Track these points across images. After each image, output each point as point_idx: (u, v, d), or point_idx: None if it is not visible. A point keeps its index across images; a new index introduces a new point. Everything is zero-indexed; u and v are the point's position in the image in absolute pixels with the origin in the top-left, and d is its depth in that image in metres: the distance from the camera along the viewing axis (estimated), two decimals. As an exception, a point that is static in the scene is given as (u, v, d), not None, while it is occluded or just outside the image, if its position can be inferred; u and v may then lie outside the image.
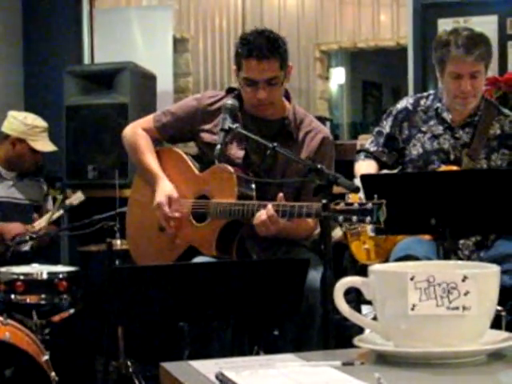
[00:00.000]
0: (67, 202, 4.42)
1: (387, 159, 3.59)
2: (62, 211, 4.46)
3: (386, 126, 3.58)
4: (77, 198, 4.32)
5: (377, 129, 3.66)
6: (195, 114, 3.40)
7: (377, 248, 3.44)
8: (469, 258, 3.36)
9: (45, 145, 4.67)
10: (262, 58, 3.17)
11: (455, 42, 3.29)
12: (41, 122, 4.71)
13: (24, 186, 4.69)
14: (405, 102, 3.58)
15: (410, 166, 3.49)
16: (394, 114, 3.58)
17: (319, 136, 3.34)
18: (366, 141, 3.83)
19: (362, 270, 1.56)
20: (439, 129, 3.45)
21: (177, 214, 3.26)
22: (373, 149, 3.60)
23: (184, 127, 3.43)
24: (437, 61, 3.39)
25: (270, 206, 3.01)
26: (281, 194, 3.05)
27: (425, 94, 3.63)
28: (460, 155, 3.40)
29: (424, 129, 3.47)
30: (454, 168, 3.34)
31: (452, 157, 3.41)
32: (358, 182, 3.06)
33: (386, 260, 3.37)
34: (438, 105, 3.48)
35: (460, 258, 3.35)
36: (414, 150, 3.47)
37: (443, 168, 3.38)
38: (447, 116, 3.45)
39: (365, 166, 3.57)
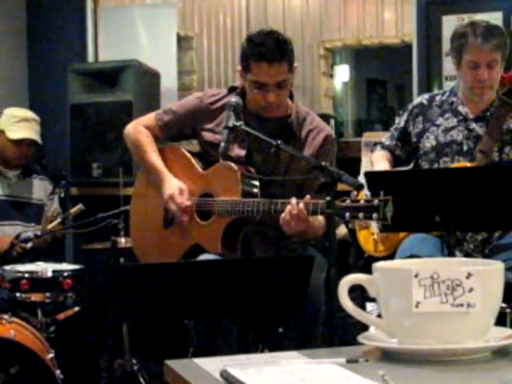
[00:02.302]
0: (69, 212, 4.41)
1: (401, 153, 3.63)
2: (59, 219, 4.45)
3: (402, 120, 3.64)
4: (77, 208, 4.31)
5: (394, 125, 3.71)
6: (197, 112, 3.39)
7: (385, 239, 3.44)
8: (474, 251, 3.37)
9: (17, 133, 4.54)
10: (272, 62, 3.15)
11: (473, 31, 3.35)
12: (19, 112, 4.64)
13: (27, 184, 4.68)
14: (420, 98, 3.65)
15: (423, 158, 3.51)
16: (409, 109, 3.63)
17: (322, 134, 3.33)
18: (371, 138, 3.85)
19: (367, 267, 1.56)
20: (453, 121, 3.49)
21: (189, 203, 3.26)
22: (387, 142, 3.65)
23: (186, 126, 3.43)
24: (454, 51, 3.44)
25: (302, 204, 2.96)
26: (308, 196, 3.00)
27: (441, 91, 3.70)
28: (473, 146, 3.41)
29: (438, 122, 3.51)
30: (468, 164, 3.36)
31: (465, 148, 3.43)
32: (362, 178, 3.06)
33: (393, 252, 3.37)
34: (454, 99, 3.52)
35: (466, 252, 3.35)
36: (428, 143, 3.50)
37: (457, 164, 3.39)
38: (462, 109, 3.49)
39: (377, 156, 3.64)
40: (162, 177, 3.34)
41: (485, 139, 3.40)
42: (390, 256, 3.37)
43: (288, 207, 2.97)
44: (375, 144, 3.75)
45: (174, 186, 3.29)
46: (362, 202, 2.65)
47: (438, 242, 3.20)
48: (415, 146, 3.56)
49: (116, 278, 2.60)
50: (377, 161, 3.61)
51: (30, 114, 4.68)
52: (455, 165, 3.40)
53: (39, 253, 4.43)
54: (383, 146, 3.66)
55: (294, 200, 2.97)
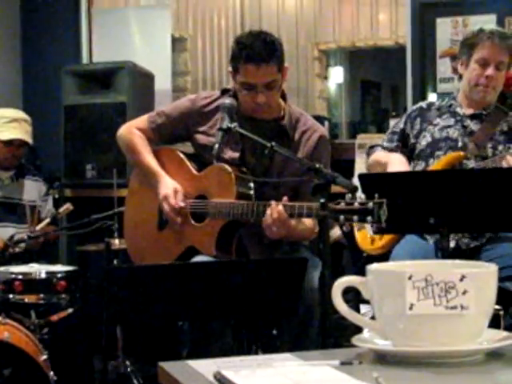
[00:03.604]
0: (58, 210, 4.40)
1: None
2: (48, 219, 4.43)
3: (400, 123, 3.68)
4: (65, 208, 4.30)
5: (391, 129, 3.73)
6: (189, 115, 3.39)
7: (381, 236, 3.47)
8: (463, 237, 3.38)
9: (7, 134, 4.51)
10: (260, 63, 3.15)
11: (489, 31, 3.46)
12: (9, 113, 4.60)
13: (19, 185, 4.66)
14: (420, 103, 3.74)
15: (420, 156, 3.53)
16: (408, 113, 3.71)
17: (316, 135, 3.34)
18: (365, 140, 3.85)
19: (362, 270, 1.56)
20: (451, 121, 3.55)
21: (183, 204, 3.26)
22: (386, 144, 3.64)
23: (178, 128, 3.43)
24: (465, 48, 3.51)
25: (281, 207, 2.99)
26: (285, 198, 3.04)
27: (440, 99, 3.77)
28: (467, 142, 3.45)
29: (435, 122, 3.57)
30: (461, 153, 3.39)
31: (460, 143, 3.48)
32: (356, 180, 3.06)
33: (390, 250, 3.39)
34: (452, 102, 3.60)
35: (457, 243, 3.36)
36: (424, 141, 3.54)
37: (449, 154, 3.40)
38: (460, 110, 3.55)
39: (382, 154, 3.60)
40: (157, 178, 3.34)
41: (478, 133, 3.46)
42: (388, 253, 3.38)
43: (268, 211, 2.99)
44: (371, 147, 3.74)
45: (168, 186, 3.29)
46: (356, 204, 2.64)
47: (430, 249, 3.22)
48: (412, 147, 3.58)
49: (110, 279, 2.60)
50: (387, 155, 3.57)
51: (20, 114, 4.65)
52: (448, 155, 3.42)
53: (32, 254, 4.43)
54: (383, 148, 3.66)
55: (273, 203, 2.99)
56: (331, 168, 3.21)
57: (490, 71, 3.42)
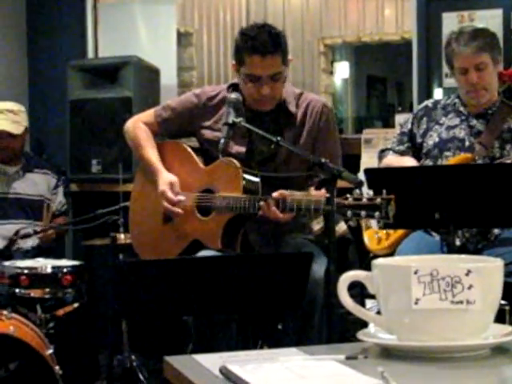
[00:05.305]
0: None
1: (412, 157, 3.63)
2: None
3: (408, 123, 3.68)
4: None
5: (400, 130, 3.72)
6: (195, 110, 3.40)
7: (387, 236, 3.47)
8: (469, 241, 3.37)
9: None
10: (265, 54, 3.16)
11: (456, 38, 3.43)
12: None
13: (27, 180, 4.65)
14: (425, 102, 3.73)
15: (427, 156, 3.52)
16: (414, 113, 3.70)
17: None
18: (371, 135, 3.84)
19: (368, 265, 1.56)
20: (456, 120, 3.54)
21: (181, 197, 3.26)
22: (397, 148, 3.64)
23: (184, 123, 3.43)
24: (446, 60, 3.53)
25: (273, 208, 3.00)
26: (282, 191, 3.04)
27: (446, 97, 3.75)
28: (474, 142, 3.44)
29: (441, 121, 3.56)
30: (468, 156, 3.39)
31: (467, 143, 3.47)
32: (362, 175, 3.06)
33: (395, 249, 3.39)
34: (456, 100, 3.58)
35: (464, 246, 3.35)
36: (431, 141, 3.54)
37: (457, 157, 3.40)
38: (464, 110, 3.54)
39: (394, 158, 3.60)
40: (155, 173, 3.34)
41: (484, 133, 3.45)
42: (394, 254, 3.38)
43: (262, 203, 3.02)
44: (382, 151, 3.74)
45: (165, 181, 3.29)
46: (364, 200, 2.64)
47: (436, 244, 3.21)
48: (419, 146, 3.57)
49: (115, 274, 2.60)
50: (400, 160, 3.57)
51: (8, 105, 4.60)
52: (456, 157, 3.42)
53: (44, 249, 4.44)
54: (395, 152, 3.65)
55: (271, 201, 3.01)
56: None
57: (470, 78, 3.41)
